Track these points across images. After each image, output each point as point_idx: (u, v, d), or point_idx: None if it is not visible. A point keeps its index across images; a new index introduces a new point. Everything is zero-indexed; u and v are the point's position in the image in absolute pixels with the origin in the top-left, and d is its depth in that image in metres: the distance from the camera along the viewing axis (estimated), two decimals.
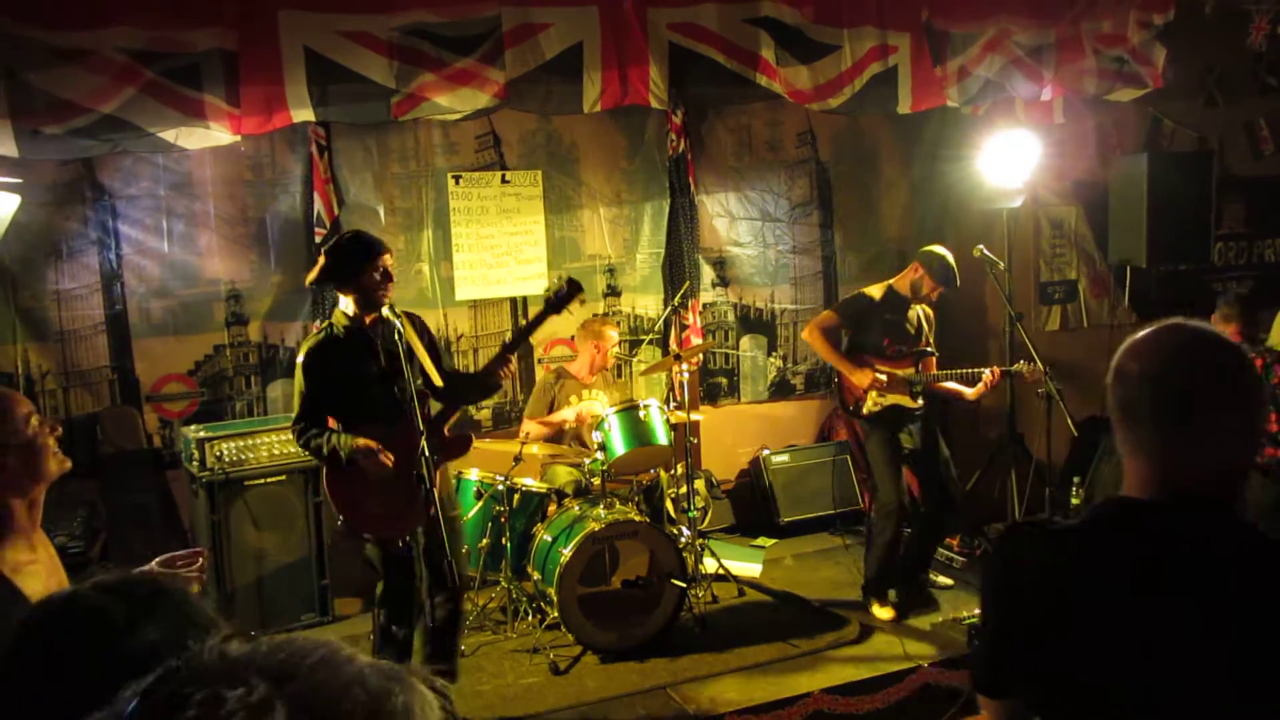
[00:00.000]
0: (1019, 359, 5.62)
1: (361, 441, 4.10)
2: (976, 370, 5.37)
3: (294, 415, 4.29)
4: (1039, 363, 5.38)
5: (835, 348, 5.49)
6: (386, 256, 4.21)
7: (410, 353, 4.21)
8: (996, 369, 5.35)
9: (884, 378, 5.35)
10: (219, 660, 0.82)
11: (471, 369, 6.41)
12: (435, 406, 4.38)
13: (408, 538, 4.21)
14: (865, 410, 5.44)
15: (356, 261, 4.15)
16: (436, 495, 3.97)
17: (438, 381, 4.31)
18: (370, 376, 4.23)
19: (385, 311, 4.19)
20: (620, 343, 6.76)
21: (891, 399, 5.42)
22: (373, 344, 4.24)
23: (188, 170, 5.80)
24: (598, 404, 5.90)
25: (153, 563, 2.35)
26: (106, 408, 5.76)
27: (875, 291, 5.51)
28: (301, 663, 0.81)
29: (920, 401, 5.46)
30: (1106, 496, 1.69)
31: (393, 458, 4.09)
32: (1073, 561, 1.63)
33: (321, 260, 4.23)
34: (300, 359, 4.26)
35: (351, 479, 4.17)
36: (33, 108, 4.86)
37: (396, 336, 4.12)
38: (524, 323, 4.33)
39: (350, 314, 4.24)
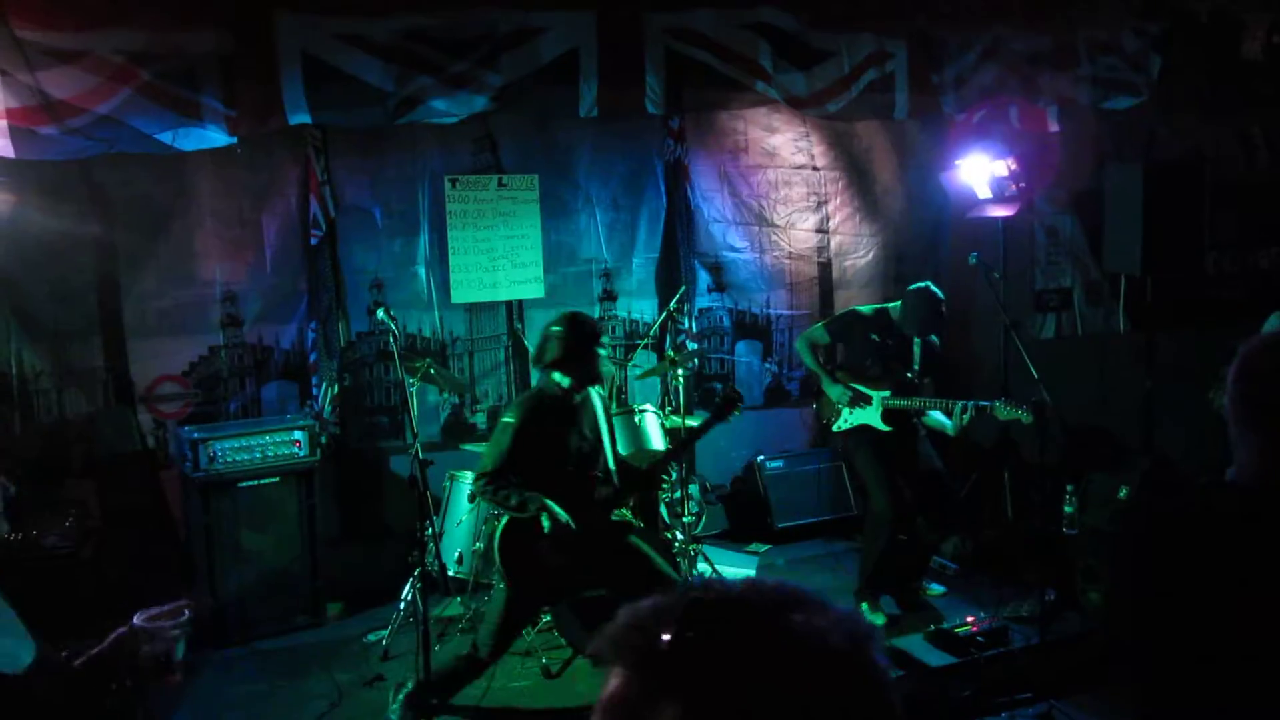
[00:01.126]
0: (1004, 391, 5.58)
1: (551, 504, 4.23)
2: (950, 401, 5.27)
3: (486, 471, 4.32)
4: (1031, 370, 5.37)
5: (817, 359, 5.55)
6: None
7: (602, 435, 4.50)
8: (971, 407, 5.19)
9: (849, 393, 5.39)
10: (713, 594, 0.89)
11: (466, 373, 6.43)
12: None
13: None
14: (835, 427, 5.50)
15: (589, 344, 4.37)
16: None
17: (614, 469, 4.52)
18: (569, 449, 4.42)
19: (590, 391, 4.50)
20: (613, 347, 6.77)
21: (860, 419, 5.44)
22: (578, 419, 4.47)
23: (184, 172, 5.79)
24: None
25: (136, 617, 2.25)
26: (101, 408, 5.75)
27: (867, 309, 5.55)
28: (796, 595, 0.88)
29: (889, 427, 5.44)
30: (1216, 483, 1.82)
31: (572, 525, 4.25)
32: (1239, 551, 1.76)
33: (559, 345, 4.34)
34: (512, 418, 4.34)
35: (527, 537, 4.30)
36: (29, 108, 4.86)
37: (597, 416, 4.43)
38: (689, 431, 4.84)
39: (566, 386, 4.40)
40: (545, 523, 4.21)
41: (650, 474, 4.67)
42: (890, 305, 5.57)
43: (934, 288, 5.37)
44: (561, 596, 4.70)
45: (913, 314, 5.35)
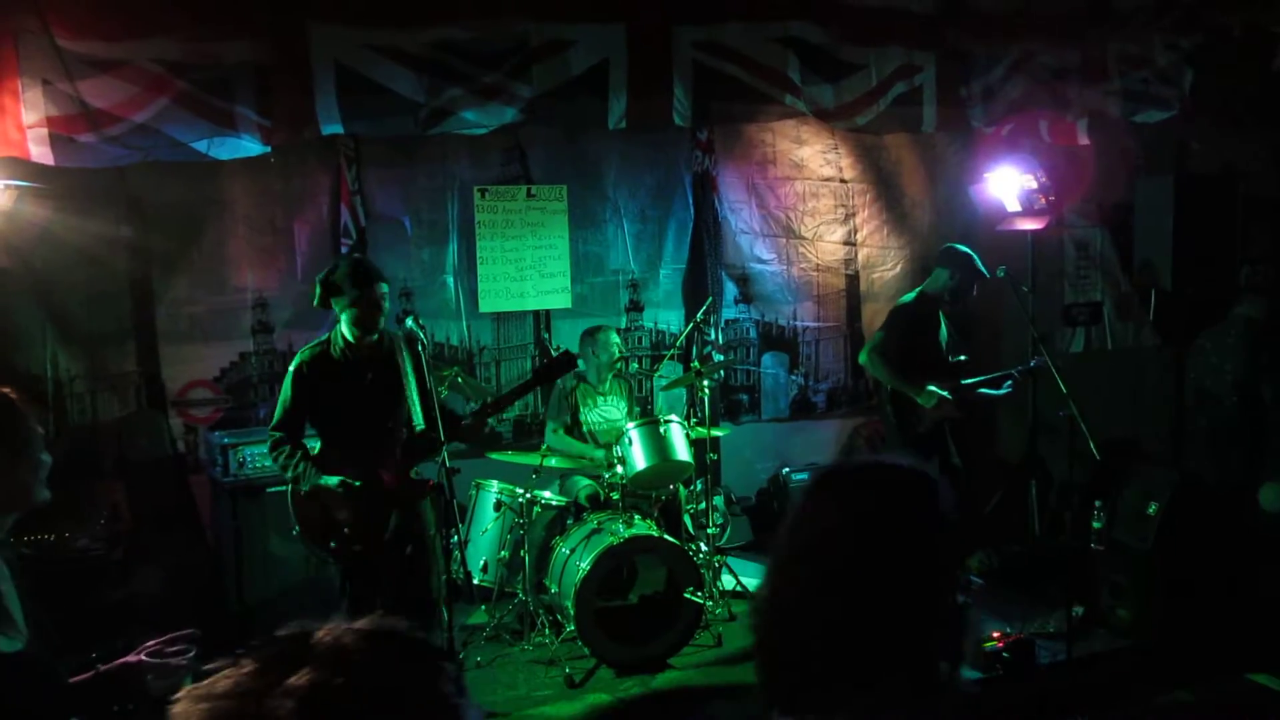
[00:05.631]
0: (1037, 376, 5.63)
1: (324, 483, 4.16)
2: (1003, 373, 5.53)
3: (273, 422, 4.34)
4: (1060, 385, 5.34)
5: (897, 370, 5.44)
6: (382, 285, 4.26)
7: (400, 385, 4.25)
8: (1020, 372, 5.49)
9: (947, 395, 5.39)
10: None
11: (493, 383, 6.45)
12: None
13: (356, 548, 4.25)
14: (923, 429, 5.49)
15: (358, 285, 4.20)
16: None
17: (420, 422, 4.29)
18: (354, 400, 4.25)
19: (388, 338, 4.30)
20: (638, 357, 6.79)
21: (943, 413, 5.45)
22: (364, 368, 4.27)
23: (218, 180, 5.87)
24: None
25: (139, 651, 2.14)
26: (133, 412, 5.82)
27: (911, 299, 5.49)
28: None
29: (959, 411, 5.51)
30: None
31: (351, 497, 4.15)
32: None
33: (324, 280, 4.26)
34: (291, 368, 4.32)
35: (313, 496, 4.25)
36: (69, 116, 4.94)
37: (395, 364, 4.21)
38: (513, 387, 4.36)
39: (349, 335, 4.30)
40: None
41: (463, 432, 4.40)
42: (922, 288, 5.57)
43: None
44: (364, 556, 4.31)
45: (966, 272, 5.36)
